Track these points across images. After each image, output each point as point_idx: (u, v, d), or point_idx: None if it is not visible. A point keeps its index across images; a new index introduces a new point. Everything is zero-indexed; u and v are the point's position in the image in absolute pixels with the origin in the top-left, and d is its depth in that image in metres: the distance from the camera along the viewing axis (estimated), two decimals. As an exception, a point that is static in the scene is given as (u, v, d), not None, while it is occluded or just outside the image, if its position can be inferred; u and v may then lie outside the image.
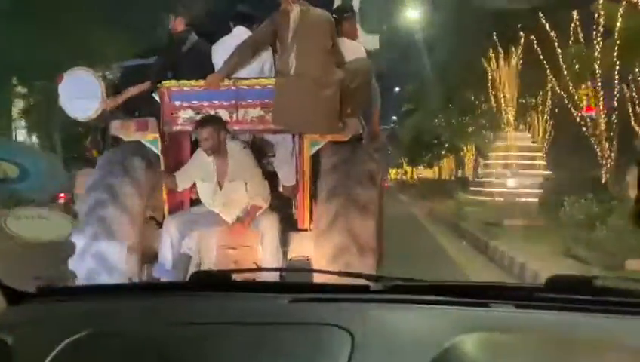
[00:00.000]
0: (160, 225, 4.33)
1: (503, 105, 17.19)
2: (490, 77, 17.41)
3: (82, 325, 1.28)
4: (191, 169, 4.14)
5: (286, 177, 4.58)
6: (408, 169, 48.36)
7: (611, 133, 12.47)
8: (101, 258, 3.88)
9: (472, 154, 25.40)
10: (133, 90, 4.31)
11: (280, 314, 1.37)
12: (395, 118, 36.63)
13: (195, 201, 4.50)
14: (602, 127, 12.58)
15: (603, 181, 11.96)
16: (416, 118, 26.47)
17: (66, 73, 4.21)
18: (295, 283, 2.32)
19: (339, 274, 1.91)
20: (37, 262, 4.04)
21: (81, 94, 4.15)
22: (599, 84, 12.27)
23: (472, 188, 17.64)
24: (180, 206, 4.52)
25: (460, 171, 31.74)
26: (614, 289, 1.36)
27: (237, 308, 1.41)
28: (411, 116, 28.25)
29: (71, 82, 4.19)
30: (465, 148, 25.37)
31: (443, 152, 29.68)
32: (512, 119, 17.08)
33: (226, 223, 4.20)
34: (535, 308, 1.32)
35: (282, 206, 4.42)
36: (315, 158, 4.23)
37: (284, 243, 4.18)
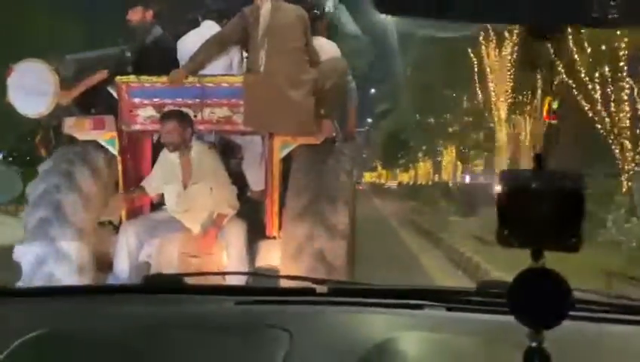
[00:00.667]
0: (117, 230, 4.02)
1: (493, 100, 15.07)
2: (477, 69, 15.33)
3: (34, 325, 1.30)
4: (159, 171, 3.85)
5: (255, 181, 4.32)
6: (383, 172, 48.18)
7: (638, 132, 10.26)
8: (50, 244, 3.60)
9: (452, 158, 24.60)
10: (89, 82, 3.97)
11: (225, 316, 1.43)
12: (370, 120, 36.30)
13: (156, 206, 4.21)
14: (625, 123, 10.18)
15: (624, 190, 10.22)
16: (392, 118, 25.77)
17: (15, 65, 3.86)
18: (243, 287, 2.49)
19: (287, 278, 2.05)
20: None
21: (33, 88, 3.80)
22: (624, 68, 9.73)
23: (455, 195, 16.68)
24: (139, 210, 4.21)
25: (436, 176, 30.83)
26: None
27: (185, 310, 1.47)
28: (387, 117, 27.59)
29: (21, 75, 3.83)
30: (443, 150, 24.47)
31: (420, 155, 28.91)
32: (503, 117, 15.13)
33: (188, 230, 3.91)
34: (466, 311, 1.40)
35: (250, 211, 4.15)
36: (286, 162, 3.98)
37: (250, 251, 3.92)
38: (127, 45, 4.11)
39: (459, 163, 24.61)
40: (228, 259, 3.79)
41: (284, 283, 2.44)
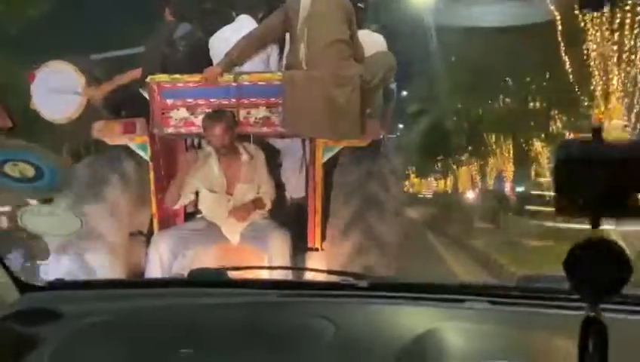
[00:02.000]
0: (148, 240, 3.75)
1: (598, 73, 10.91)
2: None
3: (87, 315, 1.40)
4: (194, 177, 3.56)
5: (294, 188, 4.01)
6: (417, 181, 46.08)
7: None
8: (78, 259, 3.38)
9: (510, 158, 20.58)
10: (120, 79, 3.73)
11: (269, 308, 1.49)
12: (401, 126, 35.00)
13: (191, 215, 3.92)
14: None
15: None
16: (428, 119, 23.39)
17: (38, 70, 3.62)
18: (286, 281, 2.53)
19: (329, 272, 2.02)
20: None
21: (58, 91, 3.57)
22: None
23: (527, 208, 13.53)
24: (173, 220, 3.93)
25: (479, 182, 27.25)
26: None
27: (230, 302, 1.52)
28: (421, 119, 25.05)
29: (45, 79, 3.60)
30: (501, 147, 20.62)
31: (464, 157, 25.26)
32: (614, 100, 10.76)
33: (226, 240, 3.61)
34: (507, 304, 1.42)
35: (290, 222, 3.82)
36: (329, 167, 3.65)
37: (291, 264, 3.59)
38: (154, 43, 3.84)
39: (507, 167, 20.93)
40: (270, 273, 3.47)
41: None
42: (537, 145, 17.73)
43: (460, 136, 21.28)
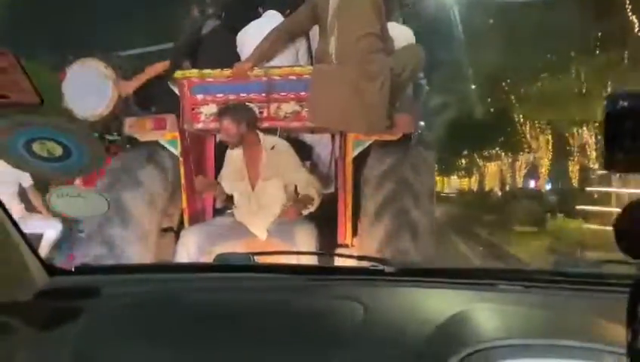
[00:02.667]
0: (177, 236, 3.76)
1: None
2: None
3: (113, 298, 1.43)
4: (226, 169, 3.60)
5: (324, 183, 3.97)
6: (439, 179, 45.44)
7: None
8: (112, 248, 3.45)
9: (549, 150, 18.12)
10: (150, 71, 3.76)
11: (298, 292, 1.49)
12: (422, 123, 34.30)
13: (219, 211, 3.93)
14: None
15: None
16: (452, 112, 21.27)
17: (68, 68, 3.67)
18: (314, 266, 2.54)
19: (356, 258, 1.99)
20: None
21: (90, 88, 3.62)
22: None
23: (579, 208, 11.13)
24: (202, 216, 3.94)
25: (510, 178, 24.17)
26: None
27: (257, 286, 1.53)
28: (444, 113, 22.81)
29: (76, 77, 3.65)
30: (537, 138, 18.21)
31: (494, 151, 22.63)
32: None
33: (254, 236, 3.61)
34: (540, 288, 1.40)
35: (319, 217, 3.80)
36: (359, 162, 3.61)
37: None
38: (182, 40, 3.86)
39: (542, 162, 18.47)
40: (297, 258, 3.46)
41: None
42: (584, 134, 15.43)
43: (489, 127, 19.11)
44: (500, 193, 23.81)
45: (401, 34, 3.77)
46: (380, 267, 1.58)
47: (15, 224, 1.38)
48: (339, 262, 2.78)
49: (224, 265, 1.73)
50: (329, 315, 1.29)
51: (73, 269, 1.68)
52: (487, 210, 16.95)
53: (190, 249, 3.44)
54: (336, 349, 1.15)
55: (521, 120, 18.03)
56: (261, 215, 3.52)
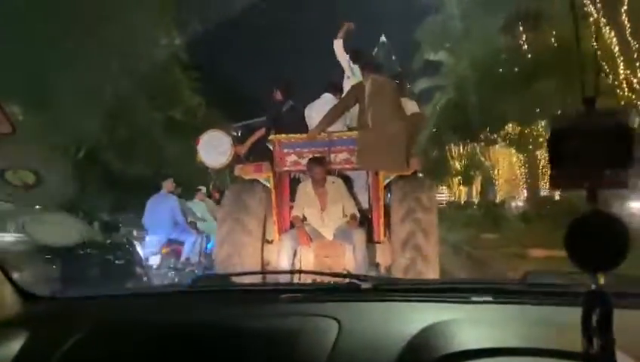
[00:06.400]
0: (270, 243, 5.80)
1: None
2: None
3: (91, 323, 1.41)
4: (299, 200, 5.65)
5: (361, 202, 6.06)
6: None
7: None
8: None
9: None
10: (254, 138, 5.87)
11: (274, 310, 1.51)
12: None
13: (291, 225, 5.97)
14: None
15: None
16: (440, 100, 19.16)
17: (201, 137, 5.78)
18: (290, 284, 2.60)
19: (332, 275, 2.12)
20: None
21: (216, 149, 5.70)
22: None
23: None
24: (285, 228, 6.01)
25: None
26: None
27: (234, 307, 1.55)
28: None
29: (206, 142, 5.74)
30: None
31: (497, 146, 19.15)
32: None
33: (323, 238, 5.65)
34: (512, 303, 1.46)
35: (361, 223, 5.87)
36: (387, 188, 5.69)
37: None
38: (272, 112, 6.01)
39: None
40: (355, 258, 5.46)
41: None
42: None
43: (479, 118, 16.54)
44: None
45: (409, 105, 5.91)
46: (357, 283, 1.63)
47: None
48: (318, 279, 2.90)
49: (200, 289, 1.75)
50: (305, 334, 1.29)
51: (48, 295, 1.67)
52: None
53: (287, 247, 5.44)
54: None
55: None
56: (330, 225, 5.58)
